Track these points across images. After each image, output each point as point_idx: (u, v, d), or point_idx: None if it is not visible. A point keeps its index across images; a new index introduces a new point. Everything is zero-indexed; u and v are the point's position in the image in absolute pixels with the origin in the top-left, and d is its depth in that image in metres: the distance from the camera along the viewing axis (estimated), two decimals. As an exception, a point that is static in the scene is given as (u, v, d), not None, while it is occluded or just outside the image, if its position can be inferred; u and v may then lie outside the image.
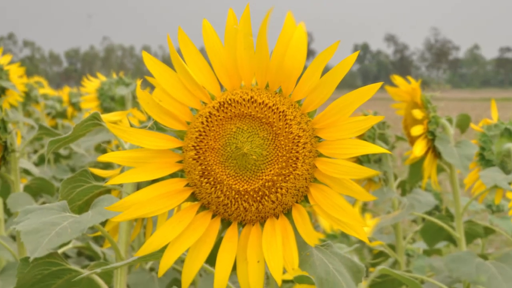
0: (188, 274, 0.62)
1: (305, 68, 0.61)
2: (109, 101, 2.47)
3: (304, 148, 0.62)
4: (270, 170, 0.62)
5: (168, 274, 1.94)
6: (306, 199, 0.64)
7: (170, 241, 0.62)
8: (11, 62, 2.26)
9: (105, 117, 1.00)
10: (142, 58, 0.66)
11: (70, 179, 0.95)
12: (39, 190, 1.73)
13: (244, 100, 0.63)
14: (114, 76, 2.55)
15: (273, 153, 0.62)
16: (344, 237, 1.60)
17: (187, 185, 0.66)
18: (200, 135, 0.64)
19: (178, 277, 1.93)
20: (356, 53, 0.61)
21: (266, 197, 0.62)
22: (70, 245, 1.47)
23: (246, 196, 0.62)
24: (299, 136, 0.62)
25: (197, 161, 0.64)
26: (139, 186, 0.91)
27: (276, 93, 0.64)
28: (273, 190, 0.62)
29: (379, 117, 0.59)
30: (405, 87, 1.62)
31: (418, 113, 1.55)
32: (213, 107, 0.64)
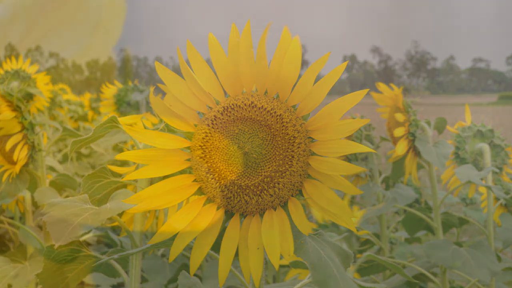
0: (196, 260, 0.62)
1: (300, 76, 0.61)
2: (125, 106, 2.47)
3: (298, 147, 0.62)
4: (269, 167, 0.62)
5: (178, 260, 1.94)
6: (300, 193, 0.64)
7: (180, 230, 0.62)
8: (38, 71, 2.26)
9: (122, 120, 1.00)
10: (155, 67, 0.66)
11: (90, 175, 0.95)
12: (63, 185, 1.73)
13: (245, 105, 0.63)
14: (130, 83, 2.55)
15: (271, 152, 0.62)
16: (334, 227, 1.60)
17: (195, 180, 0.66)
18: (206, 136, 0.64)
19: (186, 262, 1.93)
20: (345, 63, 0.61)
21: (265, 191, 0.62)
22: (90, 234, 1.47)
23: (247, 190, 0.62)
24: (294, 137, 0.62)
25: (204, 159, 0.64)
26: (152, 181, 0.91)
27: (274, 98, 0.64)
28: (271, 185, 0.62)
29: (365, 120, 0.59)
30: (388, 93, 1.62)
31: (400, 117, 1.55)
32: (218, 111, 0.64)
